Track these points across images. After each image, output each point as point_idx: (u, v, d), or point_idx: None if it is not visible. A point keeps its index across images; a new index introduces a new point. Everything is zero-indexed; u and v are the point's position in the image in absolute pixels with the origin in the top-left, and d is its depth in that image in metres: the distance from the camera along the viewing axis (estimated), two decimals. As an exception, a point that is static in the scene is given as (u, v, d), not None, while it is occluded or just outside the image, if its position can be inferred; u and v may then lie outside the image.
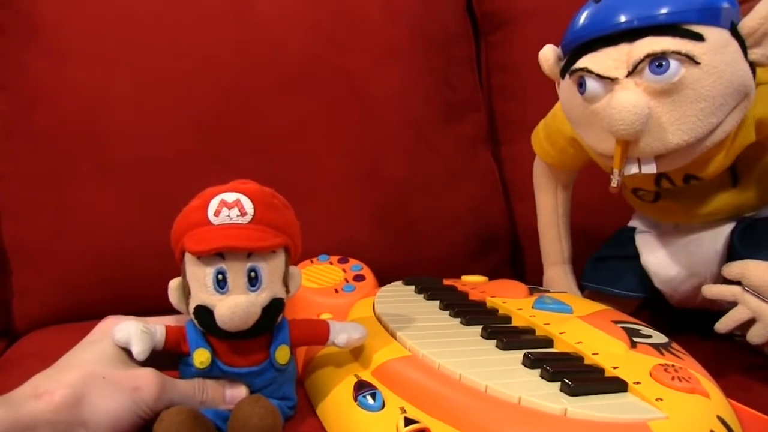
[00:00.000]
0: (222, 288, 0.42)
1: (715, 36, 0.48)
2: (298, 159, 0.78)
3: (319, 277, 0.66)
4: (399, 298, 0.59)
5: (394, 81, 0.83)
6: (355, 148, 0.81)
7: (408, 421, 0.40)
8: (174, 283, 0.44)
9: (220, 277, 0.42)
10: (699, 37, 0.47)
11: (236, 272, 0.42)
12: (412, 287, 0.63)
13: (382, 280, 0.66)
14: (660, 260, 0.64)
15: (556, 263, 0.72)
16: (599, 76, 0.50)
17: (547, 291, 0.63)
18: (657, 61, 0.47)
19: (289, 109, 0.79)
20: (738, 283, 0.54)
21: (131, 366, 0.42)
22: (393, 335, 0.50)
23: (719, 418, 0.40)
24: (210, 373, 0.44)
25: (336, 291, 0.63)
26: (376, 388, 0.44)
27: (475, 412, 0.40)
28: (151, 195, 0.73)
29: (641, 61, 0.48)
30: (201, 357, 0.43)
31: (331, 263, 0.69)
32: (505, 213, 0.91)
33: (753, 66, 0.50)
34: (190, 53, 0.76)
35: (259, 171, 0.75)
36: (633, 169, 0.51)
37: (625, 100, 0.47)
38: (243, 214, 0.42)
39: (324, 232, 0.77)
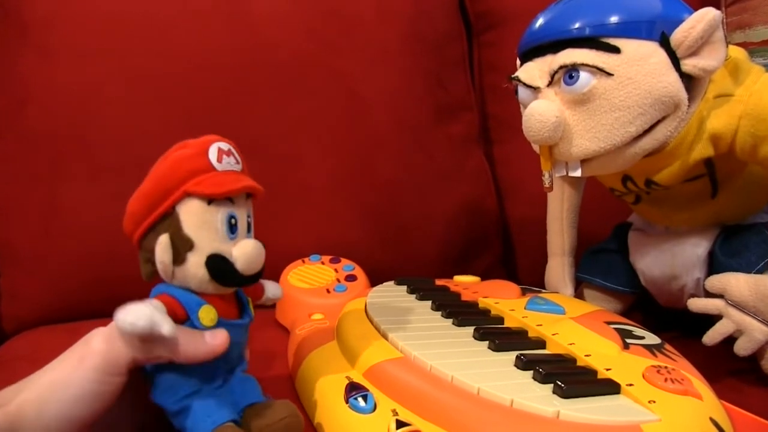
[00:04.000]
0: (233, 233, 0.41)
1: (634, 48, 0.49)
2: (290, 159, 0.78)
3: (311, 277, 0.65)
4: (391, 298, 0.59)
5: (386, 82, 0.83)
6: (347, 148, 0.80)
7: (400, 424, 0.40)
8: (165, 238, 0.40)
9: (232, 221, 0.41)
10: (615, 50, 0.49)
11: (242, 216, 0.42)
12: (404, 287, 0.62)
13: (374, 280, 0.66)
14: (646, 260, 0.64)
15: (556, 255, 0.73)
16: (525, 85, 0.53)
17: (540, 291, 0.63)
18: (569, 72, 0.50)
19: (281, 109, 0.78)
20: (722, 296, 0.54)
21: None
22: (385, 336, 0.50)
23: (712, 420, 0.40)
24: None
25: (328, 291, 0.63)
26: (368, 390, 0.44)
27: (467, 415, 0.40)
28: (142, 195, 0.72)
29: (556, 72, 0.51)
30: (210, 314, 0.41)
31: (322, 263, 0.69)
32: (497, 213, 0.91)
33: (690, 77, 0.51)
34: (182, 53, 0.76)
35: (251, 171, 0.75)
36: (561, 171, 0.54)
37: (534, 109, 0.51)
38: (237, 162, 0.43)
39: (316, 232, 0.77)
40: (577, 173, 0.53)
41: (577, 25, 0.51)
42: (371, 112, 0.82)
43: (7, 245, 0.73)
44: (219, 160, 0.42)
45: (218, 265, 0.40)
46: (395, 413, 0.42)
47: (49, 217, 0.72)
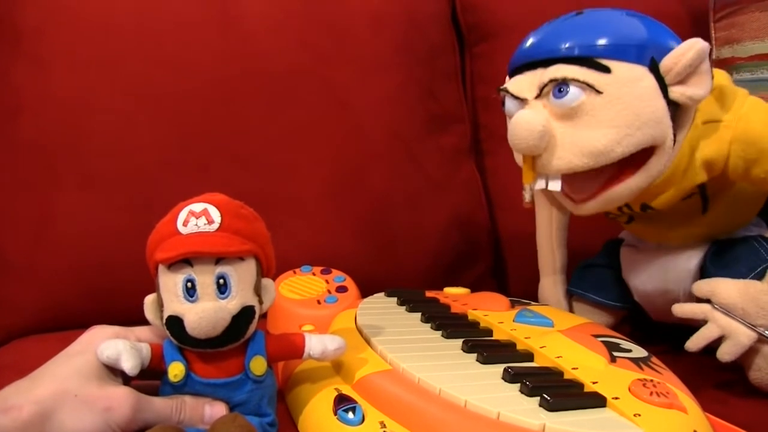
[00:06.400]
0: (191, 296, 0.42)
1: (625, 71, 0.50)
2: (281, 170, 0.78)
3: (302, 288, 0.65)
4: (381, 310, 0.59)
5: (378, 92, 0.84)
6: (338, 159, 0.81)
7: (387, 436, 0.40)
8: (149, 299, 0.44)
9: (189, 284, 0.42)
10: (605, 69, 0.50)
11: (205, 279, 0.42)
12: (395, 299, 0.62)
13: (365, 291, 0.66)
14: (639, 275, 0.65)
15: (548, 274, 0.74)
16: (513, 96, 0.53)
17: (529, 304, 0.63)
18: (559, 86, 0.50)
19: (274, 119, 0.79)
20: (708, 301, 0.55)
21: (108, 383, 0.41)
22: (374, 348, 0.50)
23: (696, 432, 0.41)
24: (186, 387, 0.43)
25: (318, 302, 0.63)
26: (356, 402, 0.44)
27: (454, 427, 0.40)
28: (134, 205, 0.73)
29: (546, 85, 0.51)
30: (175, 370, 0.43)
31: (313, 274, 0.69)
32: (488, 224, 0.91)
33: (676, 106, 0.51)
34: (175, 63, 0.76)
35: (243, 182, 0.76)
36: (541, 185, 0.53)
37: (521, 117, 0.51)
38: (210, 222, 0.42)
39: (307, 243, 0.77)
40: (557, 186, 0.53)
41: (569, 44, 0.51)
42: (363, 123, 0.83)
43: (-2, 253, 0.73)
44: (185, 223, 0.43)
45: (173, 327, 0.43)
46: (383, 425, 0.42)
47: (41, 226, 0.72)
